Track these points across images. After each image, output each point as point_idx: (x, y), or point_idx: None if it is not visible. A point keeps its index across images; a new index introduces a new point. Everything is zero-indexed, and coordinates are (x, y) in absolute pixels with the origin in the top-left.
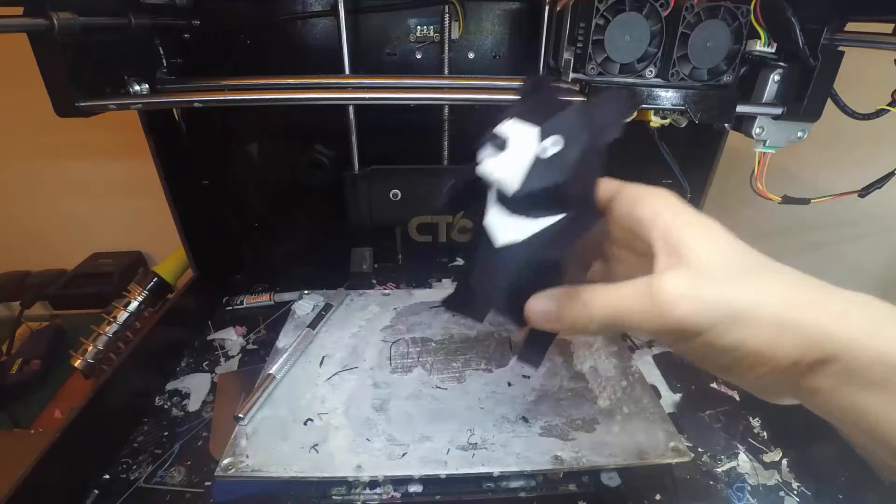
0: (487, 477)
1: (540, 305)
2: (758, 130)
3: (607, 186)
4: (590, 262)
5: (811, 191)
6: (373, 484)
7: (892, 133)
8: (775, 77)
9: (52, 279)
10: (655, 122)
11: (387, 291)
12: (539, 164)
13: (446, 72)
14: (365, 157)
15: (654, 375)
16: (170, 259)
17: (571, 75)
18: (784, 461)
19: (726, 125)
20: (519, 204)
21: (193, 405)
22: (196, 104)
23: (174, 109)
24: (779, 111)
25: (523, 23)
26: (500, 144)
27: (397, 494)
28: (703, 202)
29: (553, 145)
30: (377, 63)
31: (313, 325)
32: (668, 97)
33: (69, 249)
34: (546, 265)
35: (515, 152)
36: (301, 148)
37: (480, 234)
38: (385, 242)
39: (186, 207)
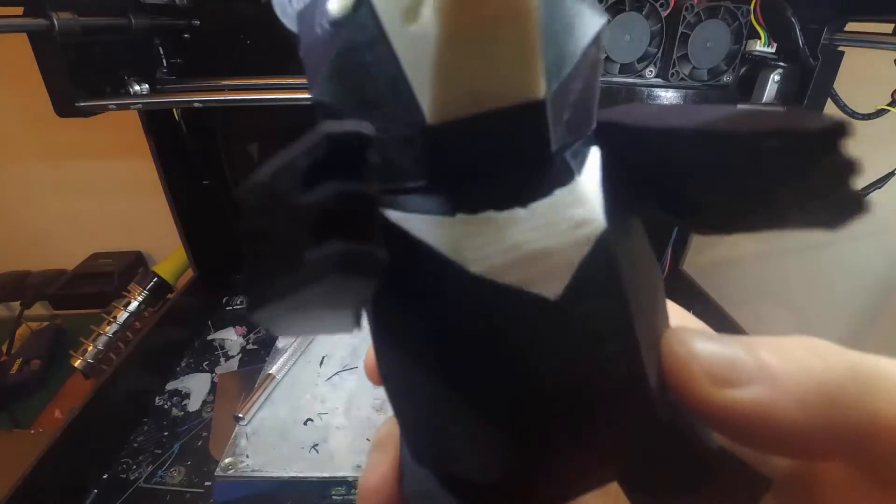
0: None
1: (706, 344)
2: None
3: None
4: None
5: None
6: None
7: (892, 133)
8: (775, 77)
9: (52, 279)
10: None
11: None
12: None
13: None
14: None
15: None
16: (170, 259)
17: None
18: None
19: None
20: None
21: (193, 405)
22: (196, 104)
23: (174, 109)
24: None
25: None
26: None
27: None
28: None
29: None
30: None
31: None
32: (668, 97)
33: (69, 249)
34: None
35: None
36: None
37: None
38: None
39: (186, 207)
